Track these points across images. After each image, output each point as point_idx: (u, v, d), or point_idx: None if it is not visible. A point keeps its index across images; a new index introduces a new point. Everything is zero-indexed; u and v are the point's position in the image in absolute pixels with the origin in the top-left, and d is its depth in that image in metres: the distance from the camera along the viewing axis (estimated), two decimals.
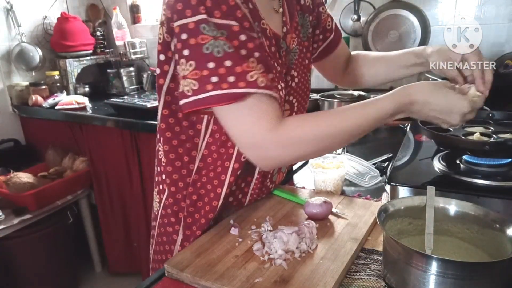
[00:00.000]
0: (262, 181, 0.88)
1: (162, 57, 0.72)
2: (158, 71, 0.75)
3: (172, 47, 0.69)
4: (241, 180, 0.84)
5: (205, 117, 0.76)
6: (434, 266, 0.53)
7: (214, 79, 0.62)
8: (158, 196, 0.87)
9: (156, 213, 0.88)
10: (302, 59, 0.89)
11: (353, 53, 1.08)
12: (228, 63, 0.62)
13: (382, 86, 2.02)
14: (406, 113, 0.69)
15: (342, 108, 0.70)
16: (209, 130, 0.77)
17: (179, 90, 0.67)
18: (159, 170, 0.85)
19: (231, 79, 0.62)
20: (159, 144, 0.83)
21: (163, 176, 0.84)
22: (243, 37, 0.64)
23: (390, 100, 0.67)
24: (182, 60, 0.64)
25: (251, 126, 0.65)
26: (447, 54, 0.80)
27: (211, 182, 0.80)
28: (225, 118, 0.68)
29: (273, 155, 0.67)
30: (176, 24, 0.64)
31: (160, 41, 0.71)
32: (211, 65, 0.62)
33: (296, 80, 0.87)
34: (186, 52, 0.64)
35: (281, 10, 0.81)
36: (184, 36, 0.63)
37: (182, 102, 0.66)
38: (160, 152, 0.83)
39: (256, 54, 0.65)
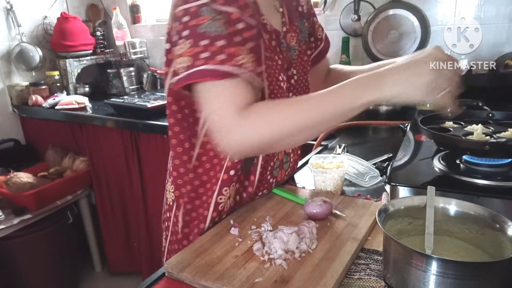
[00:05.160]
0: (262, 173, 0.89)
1: (167, 45, 0.75)
2: (164, 59, 0.78)
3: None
4: (241, 172, 0.85)
5: None
6: (434, 266, 0.53)
7: (205, 54, 0.65)
8: (172, 185, 0.89)
9: (171, 204, 0.90)
10: (301, 59, 0.93)
11: (331, 66, 1.11)
12: (220, 42, 0.65)
13: None
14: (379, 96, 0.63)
15: (309, 96, 0.69)
16: None
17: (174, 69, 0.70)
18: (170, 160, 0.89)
19: (221, 57, 0.65)
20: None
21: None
22: (240, 25, 0.67)
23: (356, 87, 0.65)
24: (181, 40, 0.67)
25: (220, 107, 0.66)
26: None
27: (214, 168, 0.83)
28: (202, 97, 0.69)
29: (235, 139, 0.66)
30: (179, 8, 0.68)
31: (167, 30, 0.75)
32: (204, 42, 0.65)
33: (296, 78, 0.90)
34: (185, 33, 0.67)
35: (281, 9, 0.85)
36: (185, 19, 0.67)
37: (174, 79, 0.70)
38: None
39: (250, 44, 0.68)
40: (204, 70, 0.65)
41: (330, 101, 0.65)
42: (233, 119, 0.65)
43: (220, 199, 0.84)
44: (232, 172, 0.82)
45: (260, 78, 0.70)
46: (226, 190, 0.83)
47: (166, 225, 0.93)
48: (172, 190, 0.89)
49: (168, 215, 0.92)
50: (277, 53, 0.82)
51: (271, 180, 0.93)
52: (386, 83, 0.62)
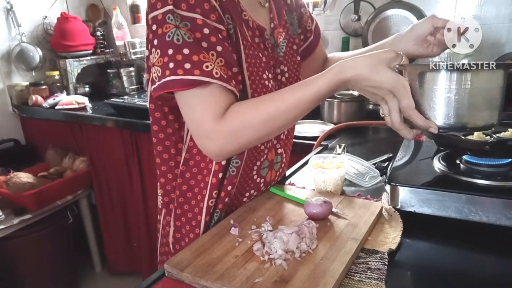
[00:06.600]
0: (246, 172, 0.87)
1: (146, 52, 0.75)
2: (146, 66, 0.78)
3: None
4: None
5: None
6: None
7: (171, 65, 0.66)
8: (160, 190, 0.89)
9: (161, 208, 0.90)
10: (292, 55, 0.91)
11: (329, 55, 1.08)
12: (186, 51, 0.66)
13: None
14: (343, 88, 0.70)
15: (280, 92, 0.71)
16: None
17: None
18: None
19: (187, 66, 0.66)
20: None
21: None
22: (206, 31, 0.68)
23: (325, 80, 0.68)
24: (153, 49, 0.69)
25: (201, 115, 0.68)
26: (419, 30, 0.83)
27: (201, 172, 0.82)
28: (181, 105, 0.71)
29: (218, 145, 0.69)
30: (149, 16, 0.69)
31: (146, 37, 0.75)
32: (170, 51, 0.66)
33: (287, 75, 0.89)
34: (155, 42, 0.68)
35: (267, 4, 0.84)
36: (154, 27, 0.68)
37: (151, 88, 0.71)
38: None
39: (219, 48, 0.68)
40: (172, 80, 0.66)
41: (303, 94, 0.68)
42: (212, 127, 0.68)
43: (212, 202, 0.82)
44: (220, 175, 0.81)
45: (234, 80, 0.70)
46: (216, 193, 0.82)
47: (159, 227, 0.93)
48: (161, 195, 0.88)
49: (159, 218, 0.92)
50: (261, 50, 0.80)
51: (258, 179, 0.91)
52: (355, 88, 0.69)
